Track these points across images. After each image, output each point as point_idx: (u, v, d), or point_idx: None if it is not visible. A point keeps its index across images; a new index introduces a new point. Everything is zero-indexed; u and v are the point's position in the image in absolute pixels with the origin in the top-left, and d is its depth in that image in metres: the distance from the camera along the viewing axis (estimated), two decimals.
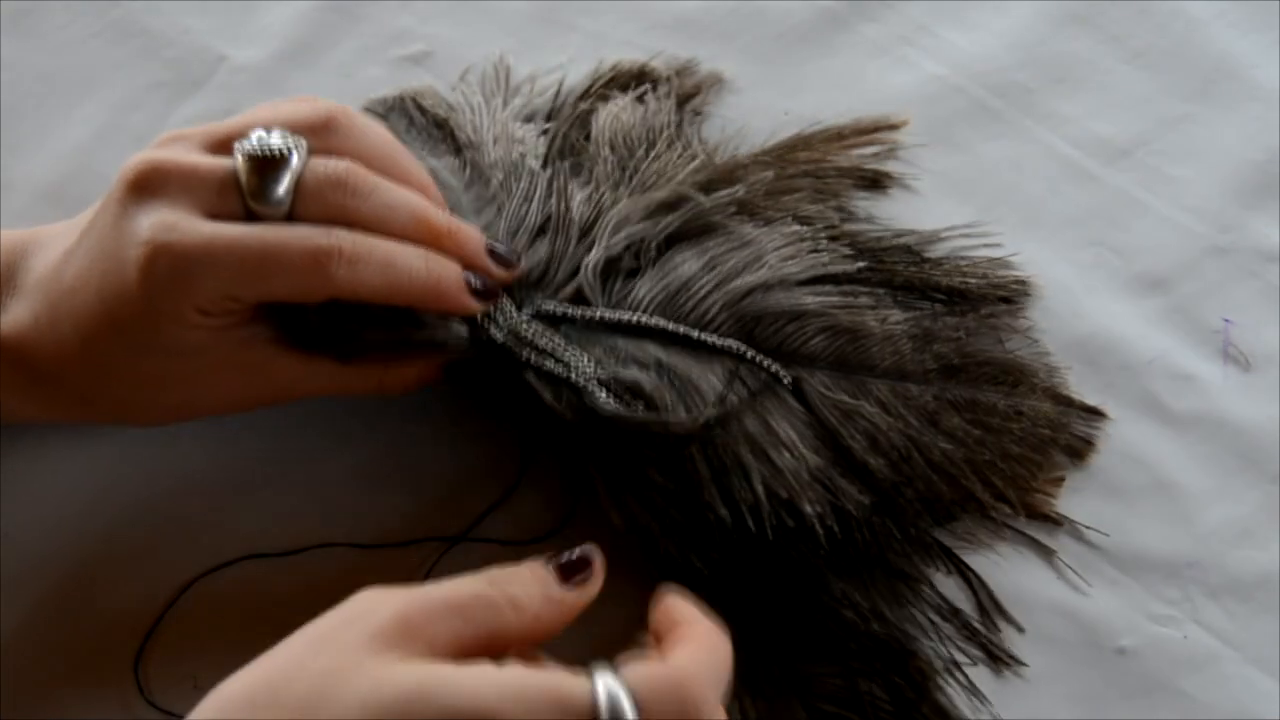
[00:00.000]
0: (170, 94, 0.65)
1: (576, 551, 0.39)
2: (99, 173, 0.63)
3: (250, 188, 0.45)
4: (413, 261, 0.47)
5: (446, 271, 0.47)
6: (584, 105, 0.62)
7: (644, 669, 0.35)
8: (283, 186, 0.45)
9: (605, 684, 0.33)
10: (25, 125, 0.64)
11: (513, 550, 0.53)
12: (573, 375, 0.50)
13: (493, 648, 0.36)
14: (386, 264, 0.46)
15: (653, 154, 0.58)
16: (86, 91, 0.65)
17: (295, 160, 0.46)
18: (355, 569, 0.53)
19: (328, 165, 0.46)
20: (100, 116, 0.64)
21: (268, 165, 0.45)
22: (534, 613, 0.37)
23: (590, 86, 0.63)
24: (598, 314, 0.52)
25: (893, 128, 0.62)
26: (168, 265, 0.43)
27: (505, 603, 0.36)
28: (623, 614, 0.52)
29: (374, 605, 0.35)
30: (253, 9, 0.68)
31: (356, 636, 0.33)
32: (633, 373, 0.50)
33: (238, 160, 0.46)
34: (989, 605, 0.51)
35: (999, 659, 0.50)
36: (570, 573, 0.39)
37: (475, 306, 0.48)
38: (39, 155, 0.63)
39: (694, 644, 0.37)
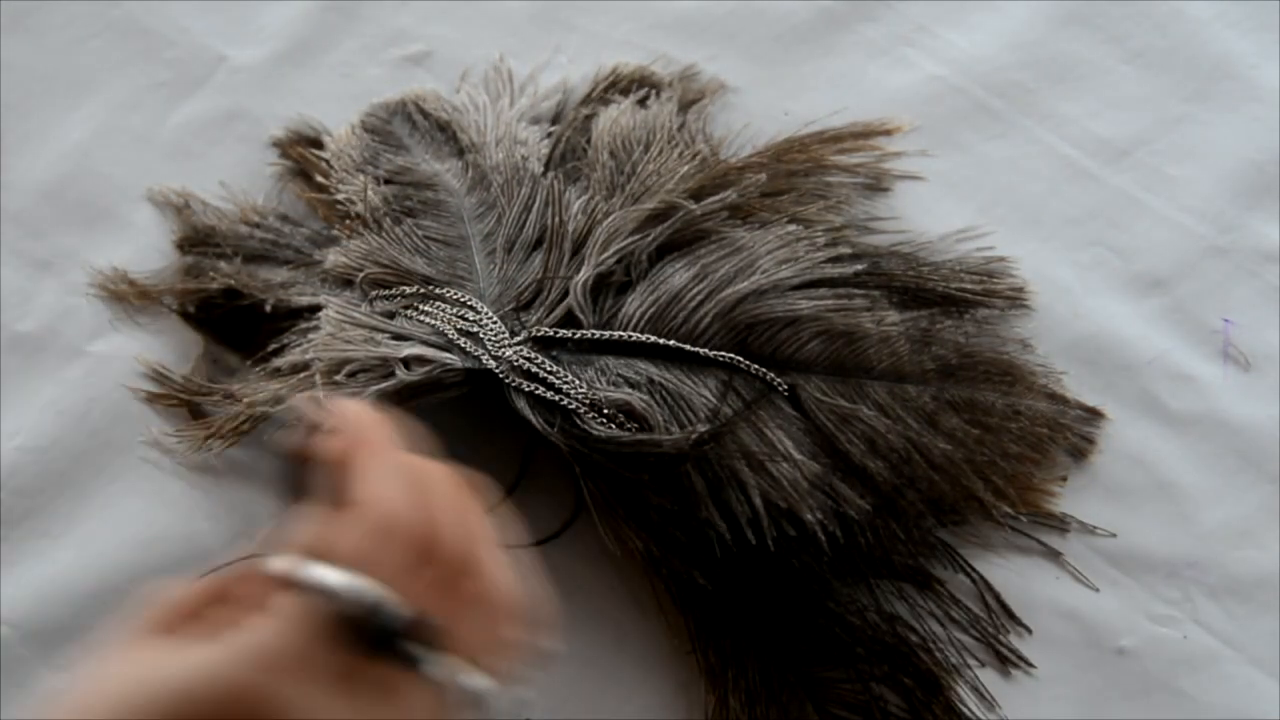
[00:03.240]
0: (170, 94, 0.65)
1: None
2: (99, 172, 0.63)
3: None
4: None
5: None
6: (585, 110, 0.62)
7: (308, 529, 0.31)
8: None
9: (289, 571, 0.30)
10: (25, 125, 0.64)
11: (512, 551, 0.53)
12: (564, 400, 0.50)
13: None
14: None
15: (649, 157, 0.58)
16: (86, 91, 0.65)
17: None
18: None
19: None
20: (100, 116, 0.64)
21: None
22: None
23: (591, 91, 0.64)
24: (589, 335, 0.52)
25: (889, 132, 0.62)
26: None
27: None
28: (614, 633, 0.52)
29: (146, 599, 0.34)
30: (253, 9, 0.68)
31: (122, 632, 0.32)
32: (624, 393, 0.50)
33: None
34: (996, 607, 0.51)
35: (1007, 660, 0.50)
36: None
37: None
38: (39, 155, 0.63)
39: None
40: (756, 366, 0.52)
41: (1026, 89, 0.64)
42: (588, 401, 0.50)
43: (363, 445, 0.32)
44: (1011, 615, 0.51)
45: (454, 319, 0.52)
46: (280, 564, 0.30)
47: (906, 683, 0.49)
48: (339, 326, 0.53)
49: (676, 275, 0.53)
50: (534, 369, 0.51)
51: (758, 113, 0.64)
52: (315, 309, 0.55)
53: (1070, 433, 0.54)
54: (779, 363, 0.52)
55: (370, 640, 0.28)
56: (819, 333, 0.53)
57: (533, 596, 0.32)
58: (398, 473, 0.31)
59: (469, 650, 0.30)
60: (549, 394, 0.50)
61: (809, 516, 0.49)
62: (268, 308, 0.57)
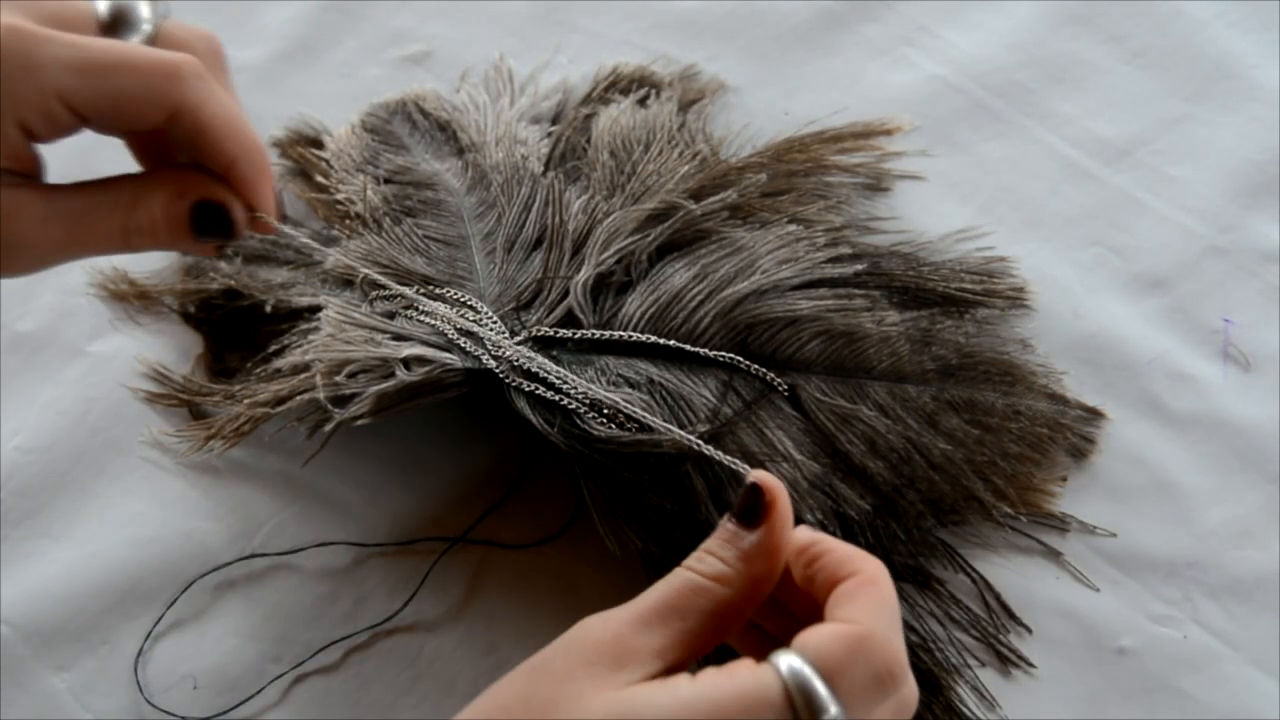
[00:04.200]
0: None
1: (743, 493, 0.36)
2: (99, 171, 0.63)
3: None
4: (251, 130, 0.44)
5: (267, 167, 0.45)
6: (585, 110, 0.62)
7: (821, 635, 0.33)
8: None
9: (788, 665, 0.32)
10: None
11: (512, 552, 0.53)
12: (564, 400, 0.50)
13: (724, 628, 0.35)
14: (233, 102, 0.44)
15: (649, 156, 0.58)
16: None
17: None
18: (356, 568, 0.53)
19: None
20: None
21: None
22: (739, 573, 0.36)
23: (591, 91, 0.64)
24: (589, 335, 0.52)
25: (889, 132, 0.62)
26: (18, 46, 0.40)
27: (709, 579, 0.35)
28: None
29: (589, 630, 0.35)
30: (253, 9, 0.68)
31: (570, 664, 0.33)
32: (624, 393, 0.50)
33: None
34: (996, 607, 0.51)
35: (1007, 660, 0.50)
36: (750, 517, 0.36)
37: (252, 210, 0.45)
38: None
39: (860, 589, 0.35)
40: (756, 366, 0.52)
41: (1026, 89, 0.64)
42: (588, 401, 0.50)
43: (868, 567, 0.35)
44: (1011, 615, 0.51)
45: (454, 319, 0.52)
46: (709, 569, 0.35)
47: None
48: (339, 327, 0.53)
49: (676, 275, 0.53)
50: (534, 369, 0.51)
51: (758, 113, 0.64)
52: (315, 309, 0.55)
53: (1070, 433, 0.54)
54: (779, 363, 0.52)
55: None
56: (819, 333, 0.53)
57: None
58: (892, 615, 0.35)
59: None
60: (549, 394, 0.50)
61: (809, 517, 0.49)
62: (268, 308, 0.57)
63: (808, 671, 0.32)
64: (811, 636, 0.33)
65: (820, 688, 0.32)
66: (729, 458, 0.41)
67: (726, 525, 0.36)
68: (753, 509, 0.36)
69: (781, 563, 0.37)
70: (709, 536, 0.36)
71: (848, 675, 0.32)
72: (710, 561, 0.35)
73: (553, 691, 0.32)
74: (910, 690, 0.34)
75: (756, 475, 0.36)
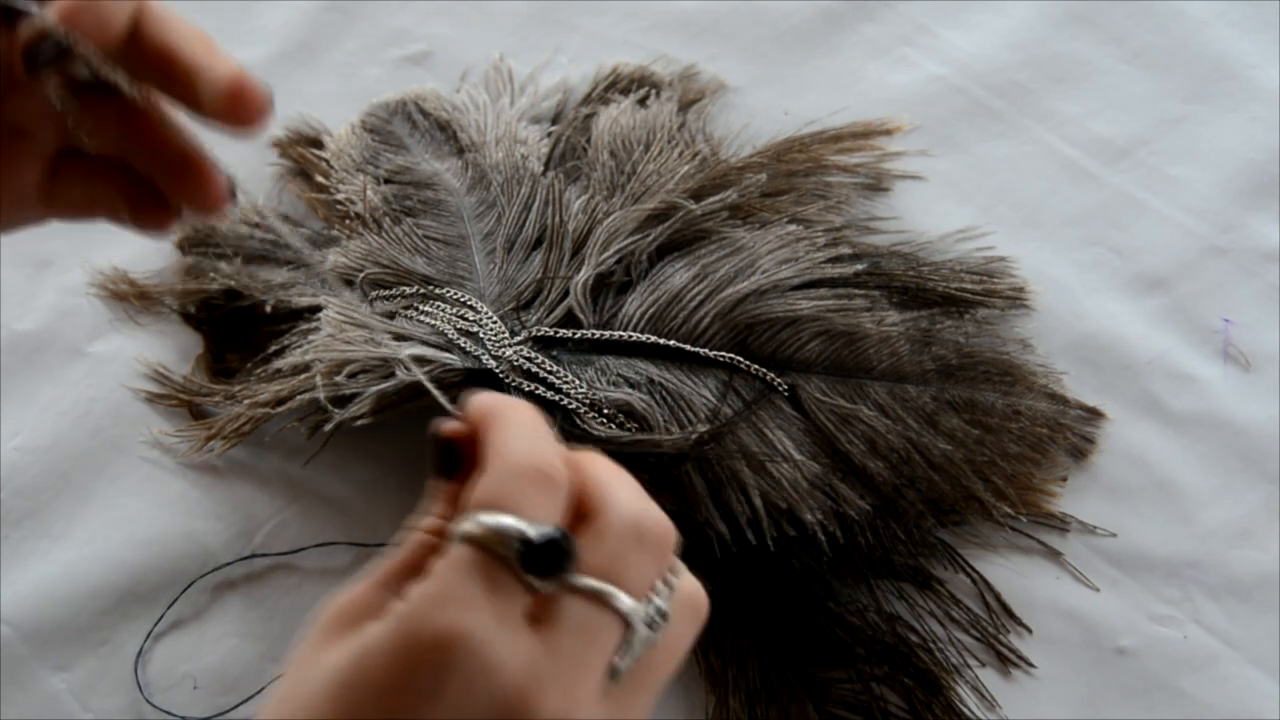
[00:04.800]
0: None
1: (431, 450, 0.34)
2: None
3: None
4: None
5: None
6: (585, 109, 0.62)
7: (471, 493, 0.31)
8: None
9: (460, 530, 0.30)
10: None
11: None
12: (564, 400, 0.50)
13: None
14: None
15: (649, 156, 0.58)
16: None
17: None
18: (356, 568, 0.53)
19: None
20: None
21: None
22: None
23: (591, 90, 0.64)
24: (589, 335, 0.52)
25: (889, 132, 0.62)
26: None
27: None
28: None
29: (331, 601, 0.33)
30: (253, 9, 0.68)
31: (313, 636, 0.32)
32: (624, 393, 0.50)
33: None
34: (996, 607, 0.51)
35: (1007, 660, 0.50)
36: (451, 469, 0.34)
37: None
38: None
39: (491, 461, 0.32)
40: (756, 366, 0.52)
41: (1026, 89, 0.64)
42: (588, 401, 0.50)
43: (493, 416, 0.33)
44: (1011, 615, 0.51)
45: (454, 319, 0.52)
46: (430, 523, 0.33)
47: (906, 683, 0.49)
48: (339, 327, 0.53)
49: (676, 275, 0.53)
50: (534, 369, 0.51)
51: (758, 113, 0.64)
52: (315, 309, 0.55)
53: (1070, 433, 0.54)
54: (779, 363, 0.52)
55: (533, 569, 0.30)
56: (819, 333, 0.53)
57: (659, 519, 0.33)
58: (520, 426, 0.33)
59: (626, 579, 0.31)
60: (549, 394, 0.50)
61: (809, 517, 0.49)
62: (268, 308, 0.57)
63: (481, 518, 0.30)
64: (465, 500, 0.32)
65: (502, 519, 0.30)
66: (443, 398, 0.38)
67: (435, 486, 0.34)
68: (450, 461, 0.34)
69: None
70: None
71: (509, 493, 0.31)
72: (432, 521, 0.34)
73: (294, 672, 0.31)
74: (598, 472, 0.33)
75: (437, 425, 0.34)
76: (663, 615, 0.32)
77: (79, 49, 0.34)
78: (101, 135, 0.40)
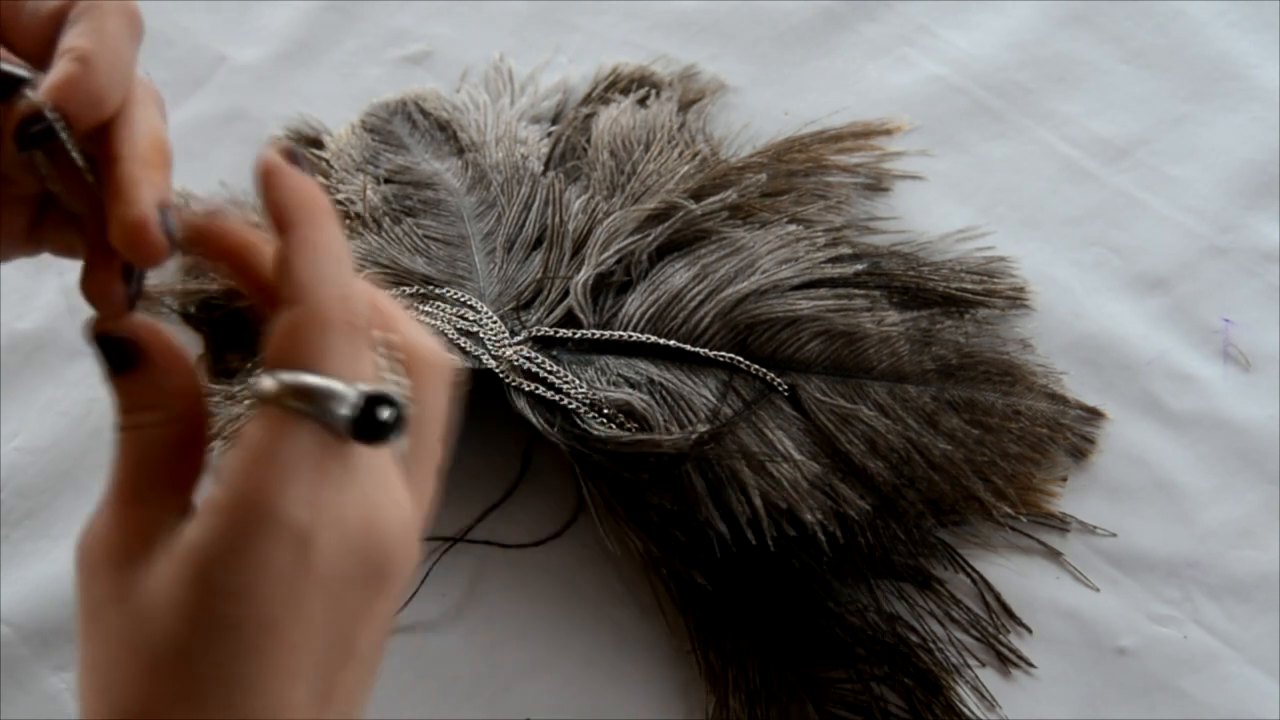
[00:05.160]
0: (170, 94, 0.65)
1: (100, 353, 0.32)
2: None
3: None
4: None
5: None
6: (585, 109, 0.62)
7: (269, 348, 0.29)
8: None
9: (258, 389, 0.28)
10: None
11: (512, 552, 0.53)
12: (564, 400, 0.50)
13: (196, 439, 0.32)
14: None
15: (649, 156, 0.58)
16: None
17: None
18: None
19: None
20: None
21: None
22: (163, 410, 0.31)
23: (591, 90, 0.64)
24: (589, 335, 0.52)
25: (889, 132, 0.62)
26: None
27: (149, 434, 0.32)
28: (613, 632, 0.52)
29: (83, 553, 0.31)
30: (253, 9, 0.68)
31: (86, 597, 0.30)
32: (624, 393, 0.50)
33: None
34: (996, 607, 0.51)
35: (1007, 660, 0.50)
36: (122, 366, 0.31)
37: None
38: None
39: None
40: (756, 366, 0.52)
41: (1026, 89, 0.64)
42: (588, 401, 0.50)
43: (298, 225, 0.31)
44: (1011, 615, 0.51)
45: (454, 319, 0.52)
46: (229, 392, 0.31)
47: (906, 683, 0.49)
48: None
49: (677, 275, 0.53)
50: (534, 369, 0.51)
51: (758, 113, 0.64)
52: None
53: (1070, 433, 0.54)
54: (779, 363, 0.52)
55: (362, 435, 0.28)
56: (819, 333, 0.53)
57: (447, 357, 0.33)
58: (329, 250, 0.31)
59: (370, 370, 0.30)
60: (549, 394, 0.50)
61: (809, 517, 0.49)
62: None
63: (297, 380, 0.28)
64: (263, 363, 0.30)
65: (303, 377, 0.28)
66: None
67: (113, 386, 0.31)
68: (119, 360, 0.31)
69: (185, 367, 0.32)
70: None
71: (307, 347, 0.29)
72: (130, 418, 0.31)
73: (90, 624, 0.29)
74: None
75: (98, 326, 0.32)
76: (407, 387, 0.31)
77: (63, 135, 0.32)
78: (76, 198, 0.39)
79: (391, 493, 0.30)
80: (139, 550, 0.29)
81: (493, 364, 0.51)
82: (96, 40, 0.33)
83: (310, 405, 0.28)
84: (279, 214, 0.31)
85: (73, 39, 0.33)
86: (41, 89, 0.31)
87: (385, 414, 0.28)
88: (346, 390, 0.28)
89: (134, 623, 0.28)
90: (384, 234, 0.56)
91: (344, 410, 0.28)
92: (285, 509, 0.27)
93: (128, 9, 0.37)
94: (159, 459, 0.30)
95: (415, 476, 0.32)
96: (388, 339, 0.31)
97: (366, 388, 0.28)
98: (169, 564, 0.28)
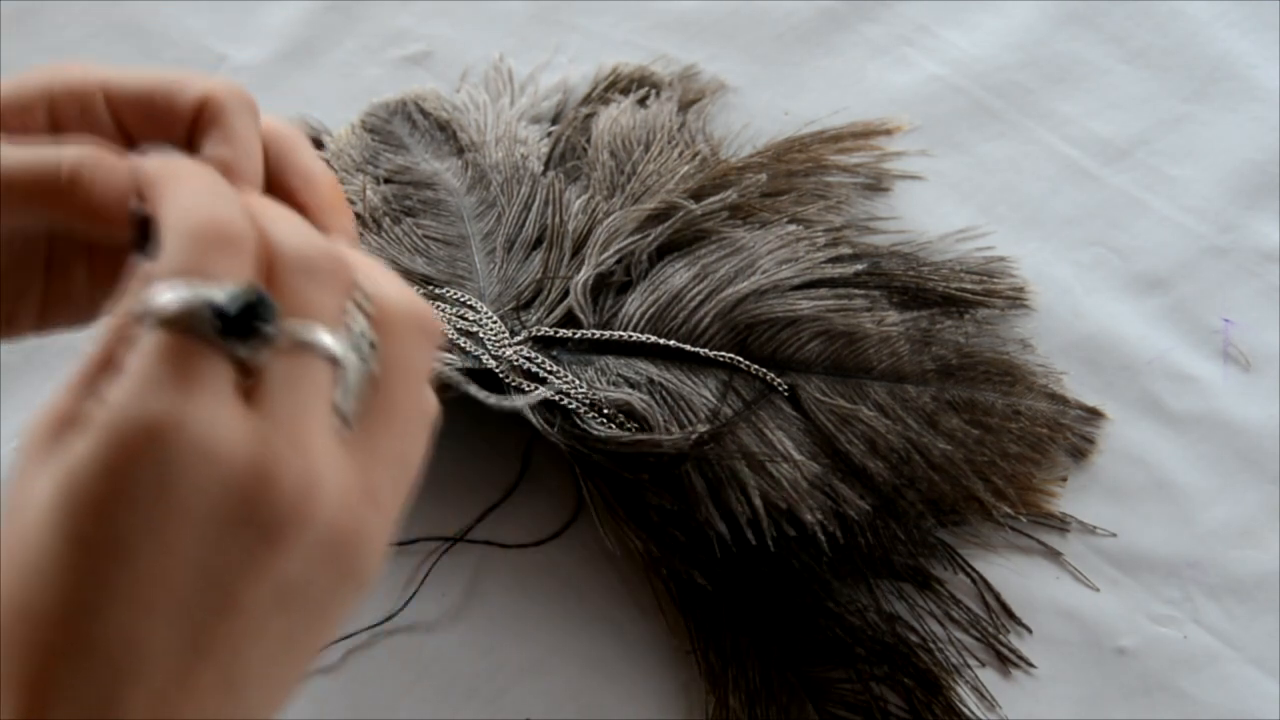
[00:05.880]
0: None
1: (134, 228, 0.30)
2: None
3: None
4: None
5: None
6: (585, 109, 0.62)
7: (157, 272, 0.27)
8: None
9: (143, 307, 0.27)
10: None
11: (512, 552, 0.53)
12: (564, 400, 0.50)
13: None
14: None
15: (649, 156, 0.58)
16: None
17: None
18: None
19: None
20: None
21: None
22: None
23: (591, 90, 0.64)
24: (589, 335, 0.52)
25: (889, 132, 0.62)
26: None
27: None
28: (613, 630, 0.52)
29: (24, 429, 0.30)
30: (253, 9, 0.68)
31: (16, 477, 0.29)
32: (624, 393, 0.50)
33: None
34: (996, 607, 0.51)
35: (1007, 660, 0.50)
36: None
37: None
38: None
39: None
40: (756, 366, 0.52)
41: (1026, 89, 0.64)
42: (588, 401, 0.50)
43: (161, 178, 0.30)
44: (1011, 615, 0.51)
45: (454, 319, 0.52)
46: (119, 311, 0.28)
47: (906, 683, 0.49)
48: None
49: (676, 275, 0.53)
50: (534, 369, 0.51)
51: (758, 113, 0.64)
52: None
53: (1070, 433, 0.54)
54: (779, 363, 0.52)
55: (232, 334, 0.27)
56: (819, 333, 0.53)
57: (321, 244, 0.30)
58: (194, 183, 0.30)
59: (313, 313, 0.29)
60: (548, 393, 0.50)
61: (809, 517, 0.49)
62: None
63: (162, 294, 0.27)
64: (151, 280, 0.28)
65: (185, 289, 0.27)
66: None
67: (138, 269, 0.29)
68: (148, 237, 0.30)
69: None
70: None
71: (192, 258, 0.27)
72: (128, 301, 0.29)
73: (8, 503, 0.28)
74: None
75: (137, 202, 0.30)
76: (368, 340, 0.30)
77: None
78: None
79: (302, 444, 0.28)
80: (53, 442, 0.27)
81: (492, 364, 0.51)
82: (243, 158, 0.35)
83: (185, 317, 0.26)
84: (149, 183, 0.30)
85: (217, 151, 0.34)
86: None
87: (250, 310, 0.27)
88: (214, 293, 0.27)
89: (12, 521, 0.27)
90: (384, 234, 0.56)
91: (216, 313, 0.26)
92: (158, 431, 0.26)
93: (244, 97, 0.36)
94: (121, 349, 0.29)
95: (373, 437, 0.30)
96: (357, 299, 0.30)
97: (238, 290, 0.27)
98: (48, 474, 0.27)
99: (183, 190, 0.29)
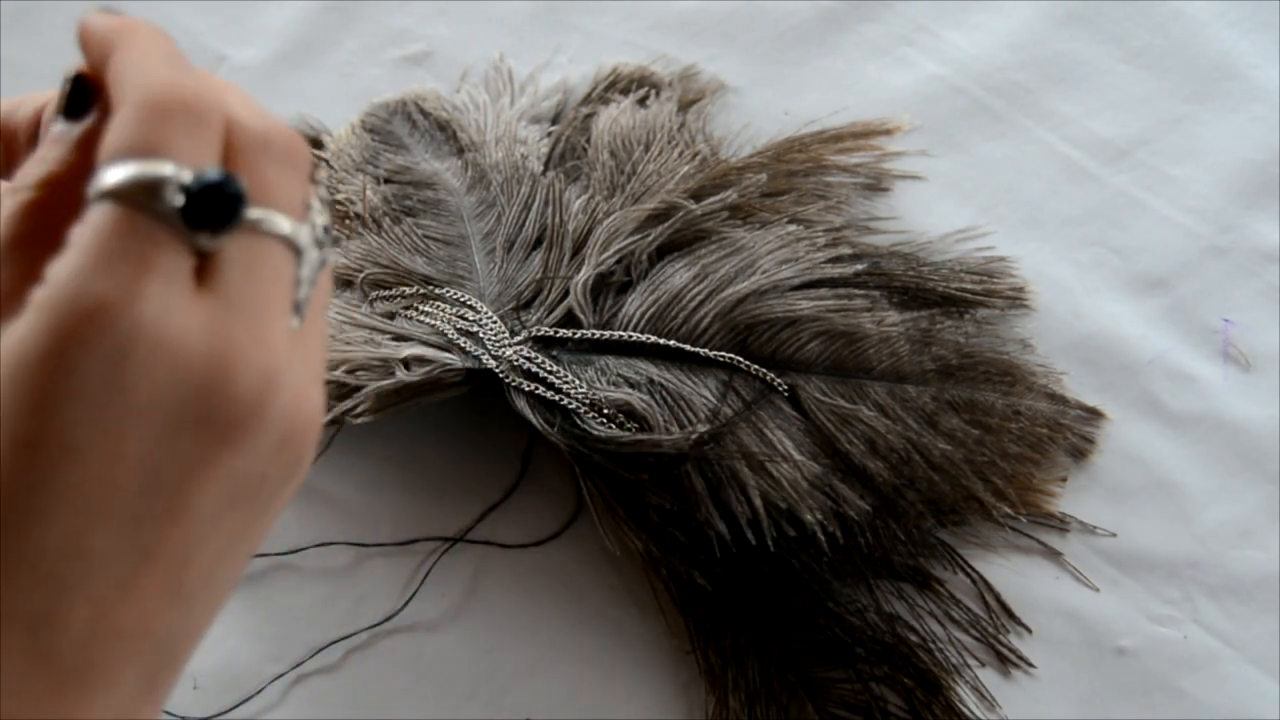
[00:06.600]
0: None
1: (66, 88, 0.28)
2: None
3: None
4: None
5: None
6: (585, 109, 0.62)
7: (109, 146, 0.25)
8: None
9: (96, 189, 0.24)
10: None
11: (512, 552, 0.53)
12: (564, 400, 0.50)
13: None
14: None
15: (649, 156, 0.58)
16: None
17: None
18: (356, 568, 0.53)
19: None
20: None
21: None
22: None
23: (591, 90, 0.64)
24: (589, 335, 0.52)
25: (889, 132, 0.62)
26: None
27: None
28: (615, 630, 0.52)
29: None
30: (253, 9, 0.68)
31: None
32: (624, 393, 0.50)
33: None
34: (996, 607, 0.51)
35: (1007, 660, 0.50)
36: (77, 109, 0.28)
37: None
38: None
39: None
40: (756, 367, 0.52)
41: (1026, 89, 0.64)
42: (588, 401, 0.50)
43: (117, 40, 0.28)
44: (1011, 615, 0.51)
45: (454, 319, 0.53)
46: (47, 172, 0.27)
47: (906, 683, 0.49)
48: (339, 327, 0.53)
49: (677, 275, 0.53)
50: (534, 369, 0.51)
51: (758, 113, 0.64)
52: None
53: (1070, 433, 0.54)
54: (779, 363, 0.52)
55: (199, 222, 0.25)
56: (819, 333, 0.53)
57: (284, 127, 0.28)
58: (151, 49, 0.27)
59: (279, 202, 0.27)
60: (549, 394, 0.50)
61: (809, 517, 0.49)
62: None
63: (124, 168, 0.24)
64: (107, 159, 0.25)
65: (150, 165, 0.24)
66: None
67: (55, 128, 0.28)
68: (79, 97, 0.28)
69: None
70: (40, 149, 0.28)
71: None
72: (51, 169, 0.27)
73: None
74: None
75: (72, 65, 0.28)
76: (327, 231, 0.28)
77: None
78: None
79: (262, 336, 0.25)
80: None
81: (493, 364, 0.51)
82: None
83: (145, 196, 0.24)
84: (98, 42, 0.27)
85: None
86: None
87: (222, 190, 0.25)
88: (182, 174, 0.24)
89: None
90: (384, 234, 0.56)
91: (175, 194, 0.24)
92: (107, 315, 0.23)
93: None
94: (52, 218, 0.26)
95: (312, 323, 0.28)
96: (315, 189, 0.28)
97: (212, 173, 0.25)
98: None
99: (141, 52, 0.27)
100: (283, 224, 0.26)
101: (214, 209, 0.25)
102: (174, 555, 0.25)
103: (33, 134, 0.34)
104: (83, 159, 0.27)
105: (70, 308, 0.23)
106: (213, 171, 0.25)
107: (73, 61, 0.28)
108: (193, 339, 0.24)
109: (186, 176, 0.24)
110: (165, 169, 0.24)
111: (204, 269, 0.25)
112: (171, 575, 0.25)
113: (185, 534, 0.25)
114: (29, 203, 0.27)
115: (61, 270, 0.24)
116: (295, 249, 0.27)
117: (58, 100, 0.28)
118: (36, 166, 0.27)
